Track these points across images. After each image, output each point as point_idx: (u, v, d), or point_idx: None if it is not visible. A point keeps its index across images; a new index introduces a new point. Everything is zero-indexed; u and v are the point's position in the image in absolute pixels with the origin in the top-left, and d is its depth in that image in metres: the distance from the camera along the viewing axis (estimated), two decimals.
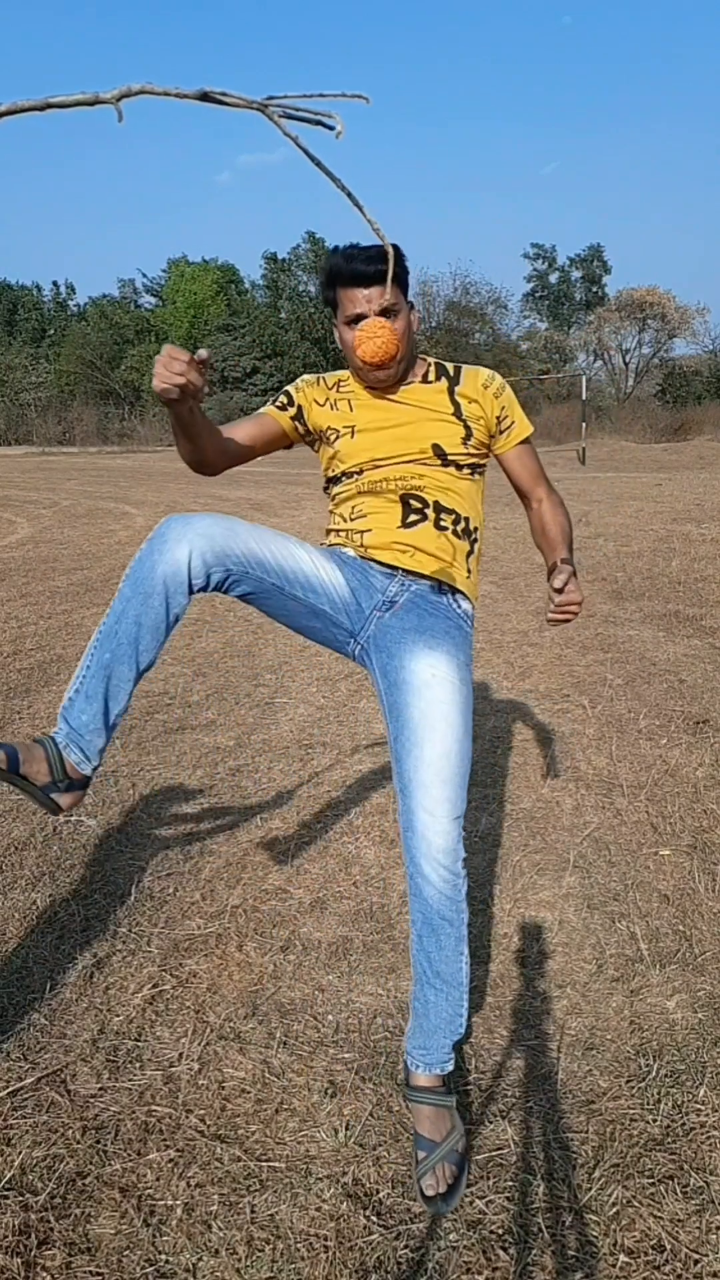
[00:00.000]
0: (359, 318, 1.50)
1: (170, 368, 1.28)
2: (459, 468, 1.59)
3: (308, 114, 0.67)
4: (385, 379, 1.55)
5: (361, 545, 1.56)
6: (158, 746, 3.37)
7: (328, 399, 1.63)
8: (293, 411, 1.63)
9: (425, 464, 1.57)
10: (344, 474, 1.60)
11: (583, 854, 2.51)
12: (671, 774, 3.03)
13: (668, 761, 3.13)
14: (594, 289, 40.47)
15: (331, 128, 0.66)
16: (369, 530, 1.56)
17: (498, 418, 1.62)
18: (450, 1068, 1.52)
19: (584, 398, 22.99)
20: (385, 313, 1.50)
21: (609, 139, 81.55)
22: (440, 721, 1.42)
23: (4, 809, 2.84)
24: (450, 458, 1.58)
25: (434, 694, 1.44)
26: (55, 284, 46.19)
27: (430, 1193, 1.36)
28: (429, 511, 1.56)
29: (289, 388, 1.66)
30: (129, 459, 25.36)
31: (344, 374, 1.66)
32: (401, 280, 1.55)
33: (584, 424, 21.67)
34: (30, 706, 3.82)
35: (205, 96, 0.65)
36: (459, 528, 1.58)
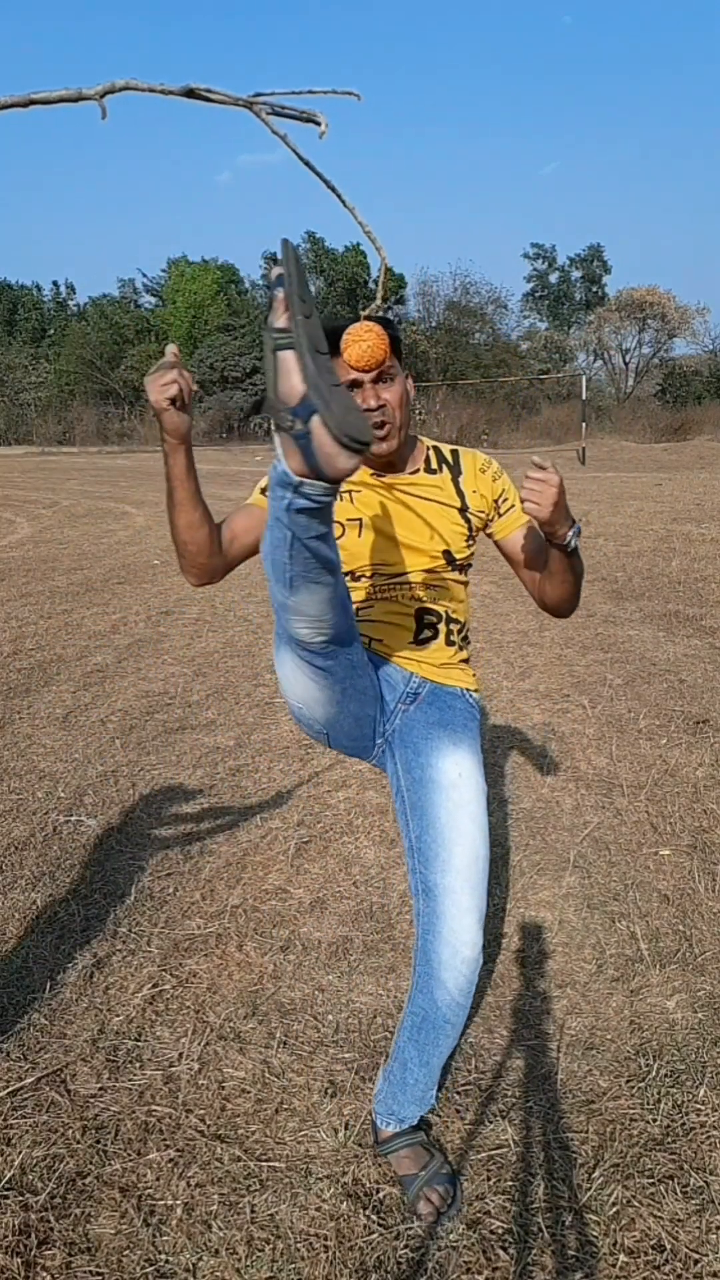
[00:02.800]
0: (353, 384, 1.43)
1: (161, 378, 1.30)
2: (462, 569, 1.56)
3: (293, 111, 0.66)
4: (386, 452, 1.48)
5: (369, 649, 1.52)
6: (158, 746, 3.37)
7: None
8: None
9: (437, 571, 1.52)
10: (346, 573, 1.51)
11: (583, 854, 2.51)
12: (671, 774, 3.03)
13: (668, 761, 3.13)
14: (594, 289, 40.43)
15: (317, 123, 0.66)
16: (380, 639, 1.51)
17: (495, 501, 1.56)
18: (416, 1121, 1.51)
19: (584, 398, 22.98)
20: (380, 377, 1.44)
21: (609, 139, 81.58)
22: (469, 824, 1.40)
23: (4, 809, 2.84)
24: (458, 562, 1.54)
25: (461, 795, 1.42)
26: (55, 284, 46.20)
27: (429, 1219, 1.38)
28: (441, 626, 1.53)
29: None
30: (129, 459, 25.34)
31: None
32: (395, 345, 1.45)
33: (584, 424, 21.66)
34: (30, 706, 3.82)
35: (191, 93, 0.64)
36: (461, 635, 1.58)
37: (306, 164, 0.68)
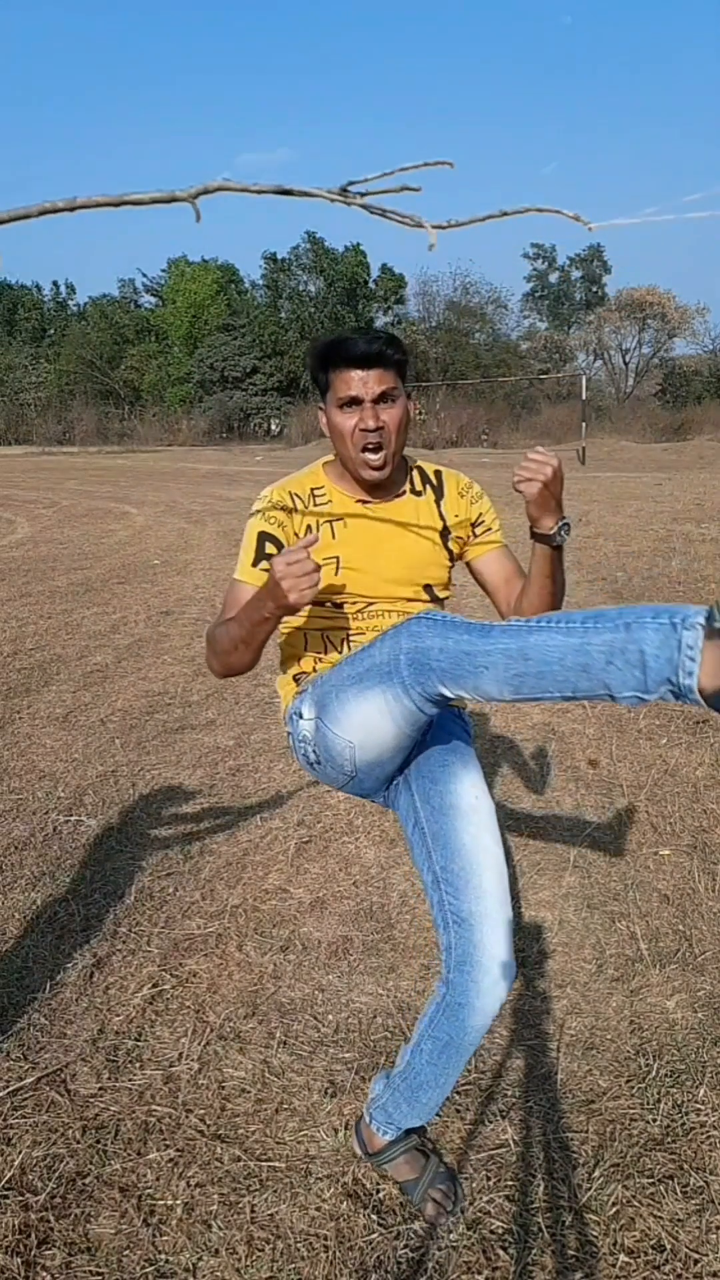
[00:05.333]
0: (353, 400, 1.39)
1: (305, 579, 1.23)
2: (440, 602, 1.56)
3: (396, 216, 0.66)
4: (379, 479, 1.44)
5: None
6: (158, 746, 3.37)
7: (310, 531, 1.47)
8: None
9: (417, 603, 1.51)
10: (321, 601, 1.48)
11: (583, 854, 2.51)
12: (671, 774, 3.03)
13: (668, 761, 3.13)
14: (594, 289, 40.46)
15: (420, 225, 0.66)
16: None
17: (473, 524, 1.53)
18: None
19: (584, 398, 22.99)
20: (382, 398, 1.39)
21: (609, 139, 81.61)
22: (492, 844, 1.38)
23: (4, 809, 2.84)
24: (438, 595, 1.54)
25: (480, 817, 1.40)
26: (55, 284, 46.09)
27: (438, 1219, 1.38)
28: None
29: (269, 529, 1.46)
30: (129, 459, 25.36)
31: (317, 478, 1.51)
32: (400, 366, 1.42)
33: (584, 424, 21.68)
34: (30, 706, 3.82)
35: (284, 192, 0.64)
36: None
37: (419, 224, 0.68)
